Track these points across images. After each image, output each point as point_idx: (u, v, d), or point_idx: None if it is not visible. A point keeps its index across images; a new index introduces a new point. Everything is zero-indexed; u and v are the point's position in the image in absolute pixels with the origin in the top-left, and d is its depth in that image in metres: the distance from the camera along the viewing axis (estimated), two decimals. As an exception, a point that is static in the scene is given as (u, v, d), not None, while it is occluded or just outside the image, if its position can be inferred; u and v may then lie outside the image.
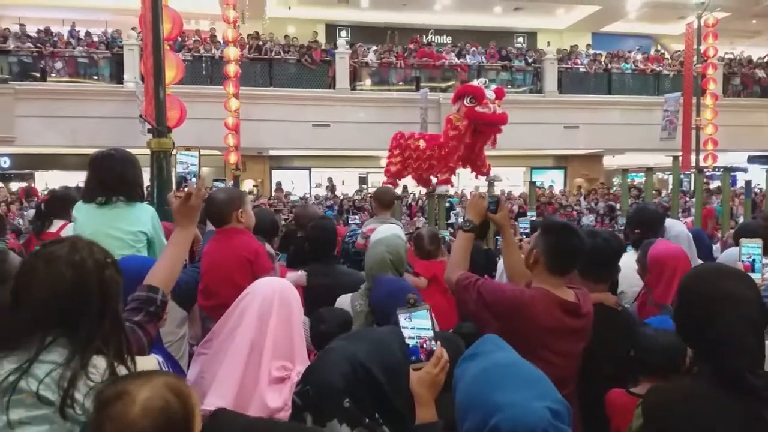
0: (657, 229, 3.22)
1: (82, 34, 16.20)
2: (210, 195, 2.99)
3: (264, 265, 2.80)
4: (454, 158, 5.79)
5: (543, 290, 2.09)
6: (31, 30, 15.98)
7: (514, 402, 1.18)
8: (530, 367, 1.30)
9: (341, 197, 16.24)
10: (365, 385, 1.35)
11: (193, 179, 2.00)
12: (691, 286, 1.49)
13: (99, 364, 1.33)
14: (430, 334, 1.48)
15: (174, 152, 2.59)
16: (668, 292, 2.48)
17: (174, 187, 2.01)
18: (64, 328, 1.34)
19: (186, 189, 1.92)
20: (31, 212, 9.20)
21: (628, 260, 2.79)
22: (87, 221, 2.54)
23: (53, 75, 15.49)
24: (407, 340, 1.47)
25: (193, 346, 2.40)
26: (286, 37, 17.50)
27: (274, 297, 1.80)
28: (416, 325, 1.47)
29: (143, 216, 2.74)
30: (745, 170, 13.00)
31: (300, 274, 3.07)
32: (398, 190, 6.14)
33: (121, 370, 1.35)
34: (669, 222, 3.61)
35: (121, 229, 2.53)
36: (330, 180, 18.52)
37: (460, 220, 7.29)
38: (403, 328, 1.47)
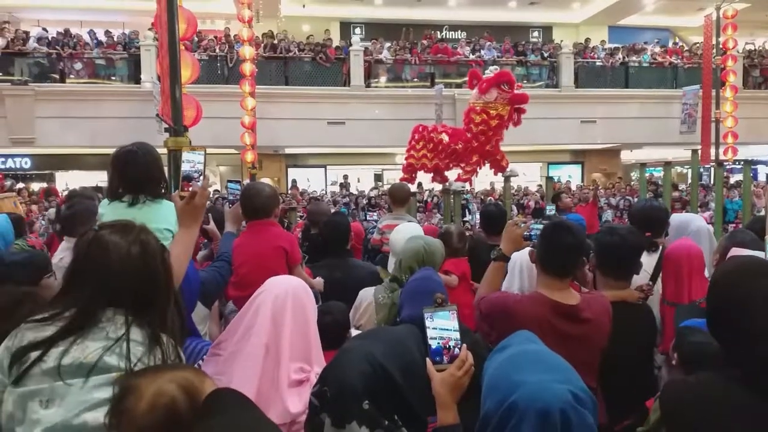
0: (663, 230, 3.08)
1: (100, 35, 16.36)
2: (255, 188, 3.10)
3: (297, 255, 2.97)
4: (494, 145, 5.96)
5: (535, 294, 2.09)
6: (50, 32, 16.17)
7: (535, 381, 1.16)
8: (558, 358, 1.28)
9: (356, 194, 16.25)
10: (384, 385, 1.32)
11: (200, 178, 2.00)
12: (726, 282, 1.39)
13: (166, 342, 1.40)
14: (455, 335, 1.45)
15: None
16: (681, 291, 2.48)
17: (179, 186, 2.00)
18: (137, 307, 1.39)
19: (191, 188, 1.93)
20: (52, 211, 9.33)
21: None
22: (114, 218, 2.57)
23: (72, 76, 15.67)
24: (430, 341, 1.44)
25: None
26: (308, 37, 17.48)
27: (287, 296, 1.74)
28: (439, 326, 1.45)
29: (170, 214, 2.75)
30: (766, 163, 12.75)
31: (318, 281, 3.16)
32: (413, 187, 6.12)
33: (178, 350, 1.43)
34: (688, 216, 3.58)
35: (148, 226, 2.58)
36: (345, 177, 18.53)
37: (477, 216, 7.24)
38: (428, 328, 1.45)
